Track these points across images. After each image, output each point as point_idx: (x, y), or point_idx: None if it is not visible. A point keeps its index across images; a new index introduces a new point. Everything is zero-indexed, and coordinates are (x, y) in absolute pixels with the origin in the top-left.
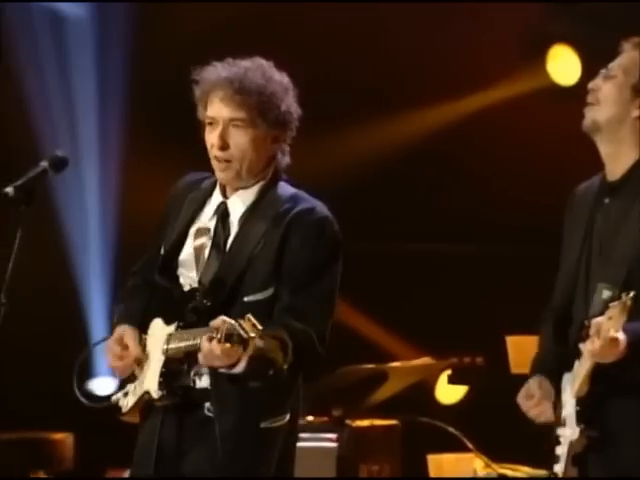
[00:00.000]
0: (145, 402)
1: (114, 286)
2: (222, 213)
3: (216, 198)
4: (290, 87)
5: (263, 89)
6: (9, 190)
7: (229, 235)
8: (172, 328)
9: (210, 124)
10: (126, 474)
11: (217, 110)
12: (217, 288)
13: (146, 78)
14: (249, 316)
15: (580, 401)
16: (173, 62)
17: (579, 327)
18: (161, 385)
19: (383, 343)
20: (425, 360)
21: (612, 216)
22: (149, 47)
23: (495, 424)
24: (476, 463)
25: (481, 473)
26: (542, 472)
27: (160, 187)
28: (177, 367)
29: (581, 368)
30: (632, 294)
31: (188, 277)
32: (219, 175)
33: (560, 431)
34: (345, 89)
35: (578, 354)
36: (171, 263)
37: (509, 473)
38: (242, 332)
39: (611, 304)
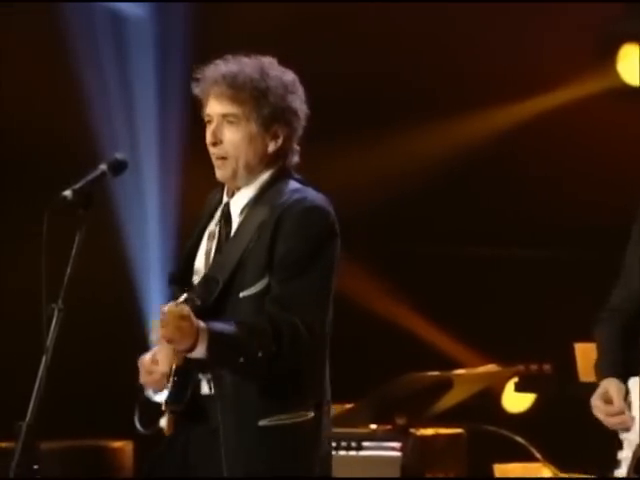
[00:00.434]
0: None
1: None
2: (225, 213)
3: (224, 200)
4: (293, 85)
5: (257, 84)
6: (67, 193)
7: (230, 234)
8: None
9: (208, 122)
10: None
11: (212, 107)
12: (207, 286)
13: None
14: (183, 296)
15: None
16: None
17: None
18: (171, 391)
19: (448, 350)
20: (491, 367)
21: None
22: (209, 47)
23: (563, 432)
24: (544, 473)
25: None
26: None
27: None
28: (185, 374)
29: None
30: None
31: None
32: (217, 173)
33: (624, 435)
34: (408, 90)
35: None
36: (187, 272)
37: None
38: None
39: None
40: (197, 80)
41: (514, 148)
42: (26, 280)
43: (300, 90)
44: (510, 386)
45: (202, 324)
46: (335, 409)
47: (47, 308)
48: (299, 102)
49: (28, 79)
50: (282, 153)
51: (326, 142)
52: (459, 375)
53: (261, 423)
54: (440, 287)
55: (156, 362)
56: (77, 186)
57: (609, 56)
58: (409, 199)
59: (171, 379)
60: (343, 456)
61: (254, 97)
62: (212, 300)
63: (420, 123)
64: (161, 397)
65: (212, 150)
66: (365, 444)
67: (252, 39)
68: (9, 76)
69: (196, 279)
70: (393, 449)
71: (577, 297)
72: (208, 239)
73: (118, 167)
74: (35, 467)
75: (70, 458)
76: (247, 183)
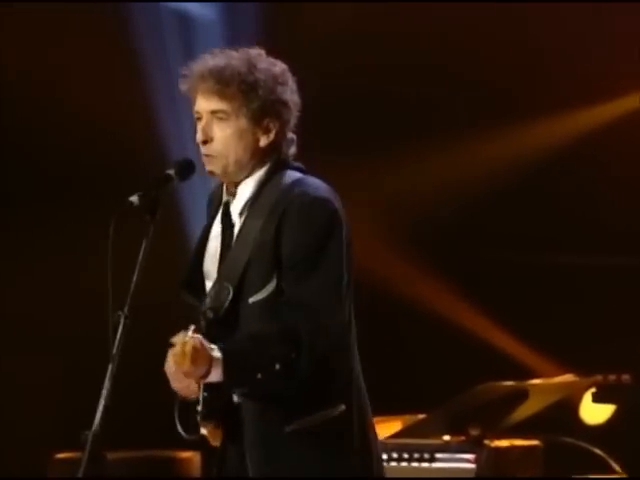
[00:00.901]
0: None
1: None
2: (225, 213)
3: (223, 198)
4: (282, 75)
5: (245, 77)
6: (134, 199)
7: (233, 236)
8: None
9: (197, 119)
10: None
11: (200, 104)
12: (219, 297)
13: None
14: (191, 327)
15: None
16: (301, 62)
17: None
18: (203, 407)
19: (524, 359)
20: (568, 377)
21: None
22: (278, 48)
23: None
24: None
25: None
26: None
27: None
28: (213, 389)
29: None
30: None
31: (209, 287)
32: (207, 169)
33: None
34: (483, 91)
35: None
36: (197, 276)
37: None
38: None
39: None
40: (184, 76)
41: (595, 151)
42: (95, 285)
43: (290, 80)
44: (588, 397)
45: (215, 350)
46: (408, 420)
47: (113, 315)
48: (289, 93)
49: (95, 82)
50: (276, 146)
51: (396, 146)
52: (535, 385)
53: (288, 429)
54: (516, 295)
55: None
56: (144, 191)
57: None
58: (489, 205)
59: (200, 395)
60: (416, 468)
61: (242, 92)
62: (224, 310)
63: (495, 125)
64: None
65: (202, 148)
66: (438, 456)
67: (322, 39)
68: (76, 80)
69: (207, 283)
70: (467, 461)
71: None
72: (213, 240)
73: (186, 171)
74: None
75: (137, 468)
76: (240, 178)
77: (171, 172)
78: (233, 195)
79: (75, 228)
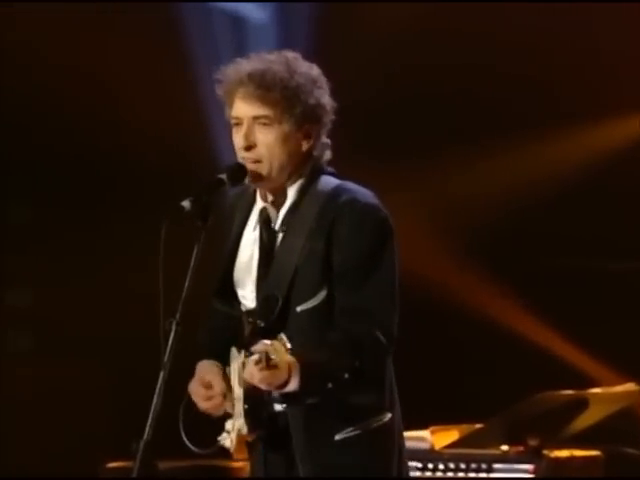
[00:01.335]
0: (243, 438)
1: None
2: (264, 220)
3: (258, 204)
4: (319, 79)
5: (287, 82)
6: (186, 204)
7: (274, 243)
8: (242, 356)
9: (236, 124)
10: None
11: (240, 109)
12: (268, 305)
13: (328, 80)
14: (281, 335)
15: None
16: (355, 63)
17: None
18: (246, 419)
19: (584, 367)
20: (629, 386)
21: None
22: (331, 49)
23: None
24: None
25: None
26: None
27: None
28: (257, 396)
29: None
30: None
31: (243, 295)
32: (249, 177)
33: None
34: (544, 94)
35: None
36: (229, 283)
37: None
38: (273, 356)
39: None
40: (219, 81)
41: None
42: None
43: (325, 84)
44: None
45: (293, 361)
46: (465, 429)
47: (165, 322)
48: (327, 97)
49: (147, 85)
50: (315, 150)
51: (455, 149)
52: (595, 394)
53: (338, 437)
54: (576, 303)
55: (209, 386)
56: (195, 196)
57: None
58: (545, 210)
59: (242, 407)
60: (473, 478)
61: (285, 97)
62: (273, 319)
63: (557, 128)
64: (230, 424)
65: (244, 154)
66: (496, 466)
67: (373, 39)
68: (129, 83)
69: (238, 290)
70: (525, 472)
71: None
72: (246, 248)
73: (237, 175)
74: None
75: (189, 478)
76: (281, 183)
77: (223, 177)
78: (271, 202)
79: (126, 232)
